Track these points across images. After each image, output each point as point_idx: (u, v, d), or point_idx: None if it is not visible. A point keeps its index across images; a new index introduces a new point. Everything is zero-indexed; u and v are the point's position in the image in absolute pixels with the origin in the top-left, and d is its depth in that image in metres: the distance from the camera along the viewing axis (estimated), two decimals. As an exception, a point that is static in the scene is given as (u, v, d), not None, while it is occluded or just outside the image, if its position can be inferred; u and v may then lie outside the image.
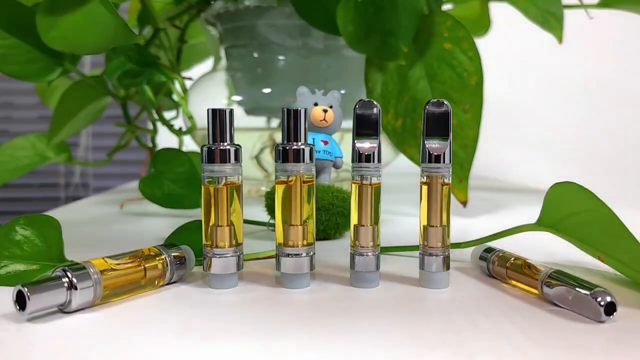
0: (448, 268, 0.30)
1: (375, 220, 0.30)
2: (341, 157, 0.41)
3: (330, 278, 0.32)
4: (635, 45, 1.14)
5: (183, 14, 0.56)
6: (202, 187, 0.30)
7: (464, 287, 0.30)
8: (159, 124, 0.58)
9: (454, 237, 0.32)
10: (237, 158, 0.30)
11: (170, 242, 0.32)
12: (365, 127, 0.29)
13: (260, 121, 0.63)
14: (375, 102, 0.29)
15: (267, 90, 0.59)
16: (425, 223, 0.30)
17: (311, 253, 0.30)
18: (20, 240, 0.29)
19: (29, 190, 1.44)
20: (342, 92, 0.56)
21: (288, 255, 0.29)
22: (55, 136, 0.55)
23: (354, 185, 0.30)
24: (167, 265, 0.29)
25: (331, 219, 0.40)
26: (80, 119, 0.57)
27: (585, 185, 0.30)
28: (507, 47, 1.02)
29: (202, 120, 0.54)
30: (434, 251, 0.29)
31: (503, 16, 0.70)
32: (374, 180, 0.29)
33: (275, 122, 0.63)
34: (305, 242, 0.29)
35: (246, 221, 0.40)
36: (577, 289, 0.25)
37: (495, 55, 0.74)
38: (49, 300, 0.24)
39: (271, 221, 0.42)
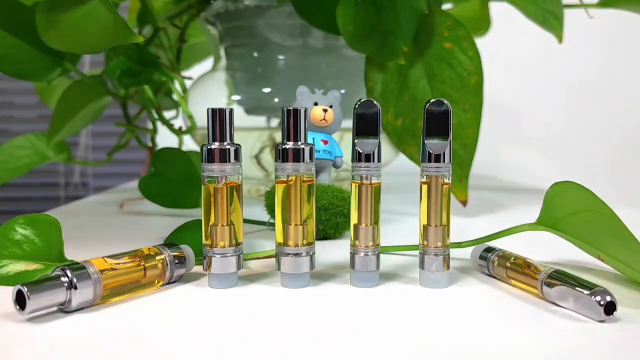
0: (448, 268, 0.30)
1: (375, 220, 0.30)
2: (341, 157, 0.41)
3: (330, 277, 0.32)
4: (635, 44, 1.14)
5: (183, 14, 0.56)
6: (202, 186, 0.30)
7: (464, 286, 0.30)
8: (158, 124, 0.58)
9: (453, 237, 0.32)
10: (237, 157, 0.30)
11: (170, 242, 0.32)
12: (365, 126, 0.29)
13: (260, 121, 0.63)
14: (375, 102, 0.29)
15: (267, 90, 0.59)
16: (425, 222, 0.30)
17: (311, 252, 0.30)
18: (20, 240, 0.29)
19: (28, 189, 1.44)
20: (342, 91, 0.56)
21: (288, 254, 0.29)
22: (55, 135, 0.55)
23: (353, 185, 0.30)
24: (166, 264, 0.29)
25: (331, 219, 0.40)
26: (80, 119, 0.57)
27: (585, 185, 0.30)
28: (507, 46, 1.02)
29: (202, 119, 0.55)
30: (434, 251, 0.29)
31: (503, 16, 0.70)
32: (374, 180, 0.29)
33: (275, 122, 0.63)
34: (305, 242, 0.29)
35: (246, 220, 0.40)
36: (577, 288, 0.25)
37: (495, 54, 0.74)
38: (49, 300, 0.24)
39: (271, 220, 0.42)
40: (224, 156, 0.29)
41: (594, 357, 0.21)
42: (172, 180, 0.48)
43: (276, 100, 0.58)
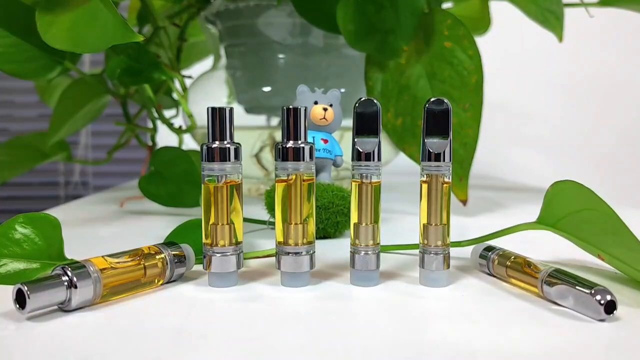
0: (448, 267, 0.30)
1: (375, 219, 0.30)
2: (341, 156, 0.41)
3: (330, 276, 0.32)
4: (636, 43, 1.14)
5: (183, 13, 0.56)
6: (202, 185, 0.30)
7: (464, 285, 0.30)
8: (158, 123, 0.58)
9: (454, 236, 0.32)
10: (237, 156, 0.30)
11: (170, 241, 0.32)
12: (365, 125, 0.29)
13: (260, 120, 0.63)
14: (375, 101, 0.29)
15: (267, 89, 0.59)
16: (425, 221, 0.30)
17: (311, 251, 0.30)
18: (20, 239, 0.29)
19: (28, 188, 1.44)
20: (342, 90, 0.56)
21: (288, 253, 0.29)
22: (55, 135, 0.55)
23: (354, 184, 0.30)
24: (167, 263, 0.29)
25: (331, 218, 0.40)
26: (80, 118, 0.57)
27: (585, 184, 0.30)
28: (507, 45, 1.02)
29: (202, 118, 0.55)
30: (434, 250, 0.29)
31: (503, 15, 0.70)
32: (374, 179, 0.29)
33: (275, 121, 0.63)
34: (305, 241, 0.29)
35: (246, 219, 0.40)
36: (577, 287, 0.25)
37: (495, 53, 0.74)
38: (49, 299, 0.24)
39: (271, 220, 0.42)
40: (224, 155, 0.29)
41: (594, 356, 0.21)
42: (172, 179, 0.48)
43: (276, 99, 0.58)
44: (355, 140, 0.29)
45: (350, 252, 0.30)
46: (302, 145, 0.29)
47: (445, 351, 0.21)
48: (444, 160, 0.29)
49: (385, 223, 0.47)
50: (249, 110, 0.61)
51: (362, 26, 0.47)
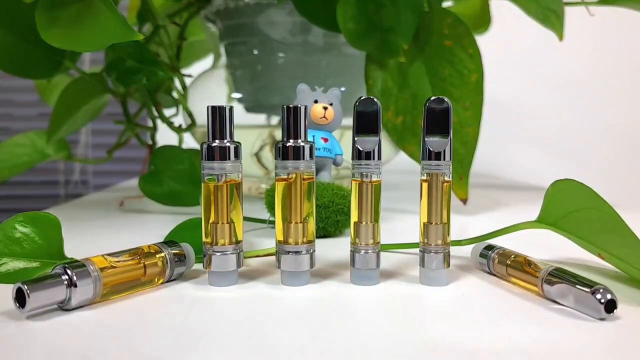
0: (448, 266, 0.30)
1: (376, 218, 0.30)
2: (341, 155, 0.41)
3: (330, 275, 0.32)
4: (636, 42, 1.14)
5: (183, 11, 0.56)
6: (202, 184, 0.29)
7: (464, 284, 0.30)
8: (158, 122, 0.58)
9: (454, 235, 0.32)
10: (237, 155, 0.29)
11: (170, 240, 0.32)
12: (365, 124, 0.29)
13: (260, 118, 0.63)
14: (375, 99, 0.29)
15: (267, 88, 0.59)
16: (426, 220, 0.29)
17: (311, 250, 0.30)
18: (20, 238, 0.29)
19: (28, 187, 1.44)
20: (342, 89, 0.56)
21: (288, 252, 0.29)
22: (55, 133, 0.55)
23: (354, 183, 0.30)
24: (166, 262, 0.29)
25: (331, 217, 0.40)
26: (80, 117, 0.57)
27: (586, 183, 0.30)
28: (508, 44, 1.02)
29: (202, 117, 0.54)
30: (434, 249, 0.29)
31: (504, 13, 0.70)
32: (374, 178, 0.29)
33: (275, 120, 0.63)
34: (305, 240, 0.29)
35: (246, 218, 0.40)
36: (577, 286, 0.25)
37: (495, 52, 0.74)
38: (49, 298, 0.24)
39: (271, 218, 0.42)
40: (224, 154, 0.29)
41: (594, 355, 0.21)
42: (172, 178, 0.48)
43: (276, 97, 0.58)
44: (356, 139, 0.29)
45: (351, 251, 0.30)
46: (302, 144, 0.29)
47: (445, 350, 0.21)
48: (444, 159, 0.29)
49: (386, 222, 0.47)
50: (249, 109, 0.61)
51: (363, 25, 0.47)
